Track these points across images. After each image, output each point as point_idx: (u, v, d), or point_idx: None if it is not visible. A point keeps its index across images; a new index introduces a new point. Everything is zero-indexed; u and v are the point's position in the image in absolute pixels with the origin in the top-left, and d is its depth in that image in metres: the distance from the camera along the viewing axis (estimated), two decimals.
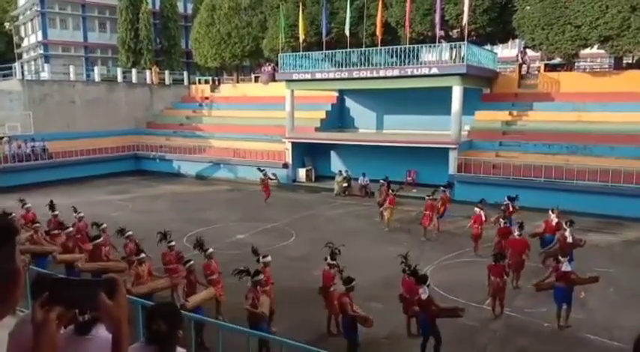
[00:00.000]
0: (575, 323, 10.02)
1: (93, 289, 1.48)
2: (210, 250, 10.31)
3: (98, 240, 11.34)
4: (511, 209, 15.62)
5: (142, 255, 9.97)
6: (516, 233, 12.13)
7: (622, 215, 18.04)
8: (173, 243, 11.05)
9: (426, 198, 16.72)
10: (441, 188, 18.16)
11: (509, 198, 16.02)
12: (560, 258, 9.99)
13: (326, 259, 9.81)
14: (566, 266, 9.78)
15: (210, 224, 18.44)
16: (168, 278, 10.29)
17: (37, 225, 12.73)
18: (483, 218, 14.54)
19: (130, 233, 11.79)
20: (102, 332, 2.09)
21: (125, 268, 10.94)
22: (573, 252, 12.02)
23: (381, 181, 19.74)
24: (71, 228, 12.51)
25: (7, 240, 1.42)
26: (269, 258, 9.70)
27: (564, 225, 12.50)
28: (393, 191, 17.92)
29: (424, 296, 8.43)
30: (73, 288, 1.48)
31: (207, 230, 17.59)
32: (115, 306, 1.49)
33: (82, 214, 13.87)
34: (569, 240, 12.21)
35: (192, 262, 9.56)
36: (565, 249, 11.68)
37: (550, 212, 13.90)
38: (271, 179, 23.51)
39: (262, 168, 23.51)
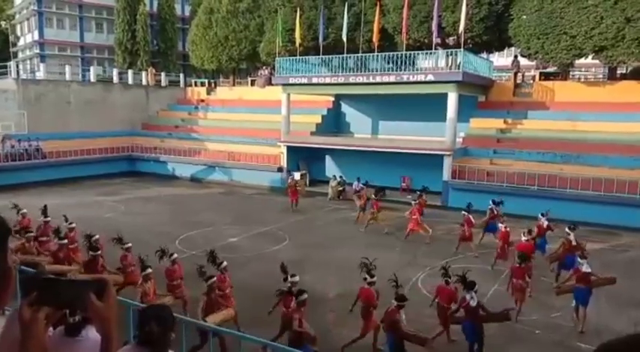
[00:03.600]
0: (566, 330, 10.06)
1: (82, 289, 1.48)
2: (225, 264, 9.98)
3: (97, 252, 10.78)
4: (494, 212, 16.14)
5: (148, 270, 9.34)
6: (524, 238, 12.61)
7: (615, 224, 18.16)
8: (175, 256, 10.45)
9: (413, 203, 17.32)
10: (418, 192, 18.83)
11: (494, 202, 16.54)
12: (579, 259, 10.45)
13: (365, 279, 9.30)
14: (586, 268, 10.15)
15: (204, 227, 18.38)
16: (172, 296, 9.81)
17: (31, 233, 12.17)
18: (473, 221, 15.33)
19: (129, 245, 11.18)
20: (92, 334, 2.08)
21: (121, 281, 10.49)
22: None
23: (360, 185, 20.94)
24: (66, 240, 11.76)
25: None
26: (297, 278, 9.35)
27: (567, 230, 12.97)
28: (374, 197, 18.60)
29: (473, 303, 8.33)
30: (62, 288, 1.47)
31: (200, 233, 17.56)
32: (104, 307, 1.48)
33: (73, 224, 13.12)
34: (574, 243, 12.67)
35: (214, 279, 9.06)
36: (570, 251, 12.34)
37: (540, 215, 14.68)
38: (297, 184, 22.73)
39: (290, 171, 23.45)
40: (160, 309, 3.28)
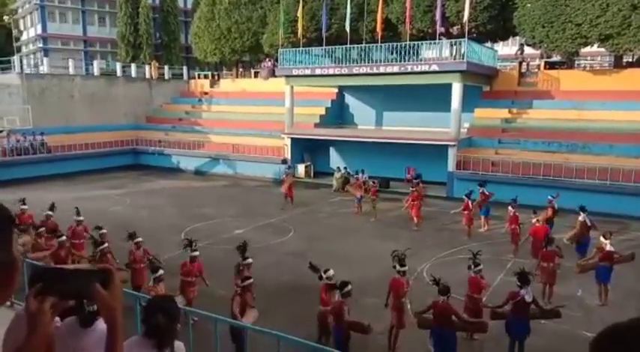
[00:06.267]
0: (572, 320, 10.04)
1: (87, 279, 1.47)
2: (250, 260, 9.56)
3: (103, 246, 10.44)
4: (486, 194, 16.92)
5: (161, 271, 9.00)
6: (534, 220, 13.07)
7: (621, 213, 18.06)
8: (197, 253, 9.98)
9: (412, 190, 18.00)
10: (415, 180, 19.45)
11: (481, 185, 17.31)
12: (603, 239, 10.95)
13: (395, 267, 9.02)
14: (609, 247, 10.77)
15: (209, 219, 18.44)
16: (183, 299, 9.37)
17: (42, 229, 11.82)
18: (471, 206, 16.02)
19: (140, 239, 10.89)
20: (100, 324, 2.10)
21: (126, 280, 10.11)
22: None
23: (365, 177, 20.90)
24: (64, 237, 11.42)
25: (4, 229, 1.41)
26: (332, 272, 9.01)
27: (580, 212, 13.53)
28: (374, 183, 19.49)
29: (529, 298, 8.30)
30: (67, 278, 1.47)
31: (206, 225, 17.62)
32: (109, 296, 1.48)
33: (81, 218, 12.80)
34: (589, 224, 13.34)
35: (251, 281, 8.52)
36: (586, 233, 13.17)
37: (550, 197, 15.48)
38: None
39: (290, 165, 23.33)
40: (166, 301, 3.30)
